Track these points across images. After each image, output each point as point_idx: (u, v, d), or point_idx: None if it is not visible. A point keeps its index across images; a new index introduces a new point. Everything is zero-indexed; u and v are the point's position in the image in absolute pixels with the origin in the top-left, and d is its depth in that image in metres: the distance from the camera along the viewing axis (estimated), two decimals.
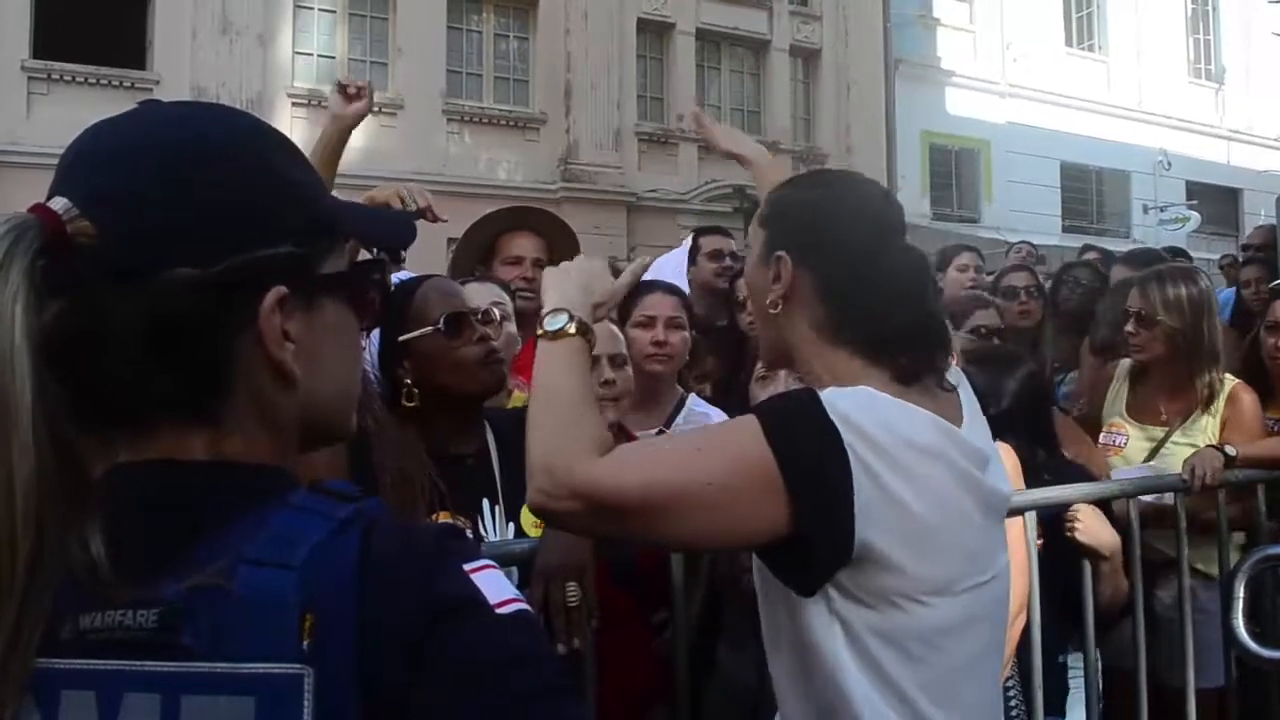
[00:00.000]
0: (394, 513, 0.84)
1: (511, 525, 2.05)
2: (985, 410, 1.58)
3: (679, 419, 2.96)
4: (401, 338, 2.01)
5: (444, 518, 1.94)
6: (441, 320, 2.02)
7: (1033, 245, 7.86)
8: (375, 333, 2.04)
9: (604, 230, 14.71)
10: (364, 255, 1.00)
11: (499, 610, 0.74)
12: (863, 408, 1.34)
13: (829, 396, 1.34)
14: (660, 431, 2.88)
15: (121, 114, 0.83)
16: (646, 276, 3.76)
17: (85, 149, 0.80)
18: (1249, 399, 3.30)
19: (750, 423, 1.35)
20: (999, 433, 2.53)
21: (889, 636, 1.34)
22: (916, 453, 1.34)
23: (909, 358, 1.44)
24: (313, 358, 0.82)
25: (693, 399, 3.03)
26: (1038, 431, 2.66)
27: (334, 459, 1.81)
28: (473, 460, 2.08)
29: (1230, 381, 3.32)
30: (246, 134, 0.83)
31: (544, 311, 1.52)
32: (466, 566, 0.76)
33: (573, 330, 1.49)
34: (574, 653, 1.82)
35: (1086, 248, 6.63)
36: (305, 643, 0.70)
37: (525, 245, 3.28)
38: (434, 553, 0.76)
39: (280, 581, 0.71)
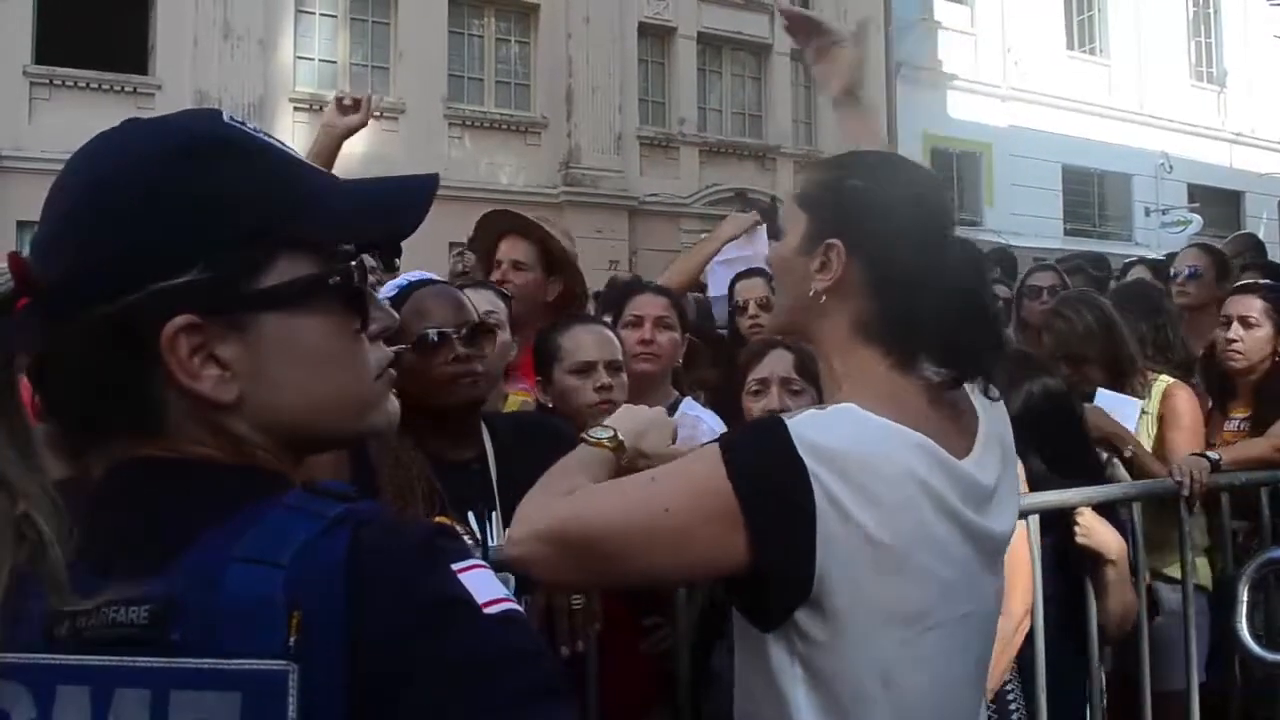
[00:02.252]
0: (388, 514, 0.83)
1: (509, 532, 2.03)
2: None
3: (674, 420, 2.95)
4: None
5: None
6: (413, 342, 1.98)
7: (1006, 246, 7.86)
8: None
9: (605, 234, 14.73)
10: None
11: (487, 610, 0.74)
12: (836, 433, 1.28)
13: (797, 426, 1.28)
14: None
15: (90, 140, 0.86)
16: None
17: (54, 183, 0.85)
18: (1184, 395, 3.39)
19: (710, 453, 1.31)
20: None
21: (851, 675, 1.29)
22: (887, 481, 1.27)
23: (948, 365, 1.37)
24: (261, 375, 0.81)
25: (686, 402, 3.02)
26: (1043, 444, 2.60)
27: (336, 462, 1.81)
28: (471, 467, 2.08)
29: (1165, 381, 3.41)
30: (163, 158, 0.82)
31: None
32: (455, 566, 0.76)
33: (609, 445, 1.52)
34: (576, 656, 1.81)
35: (1070, 257, 6.68)
36: (292, 639, 0.70)
37: (505, 249, 3.27)
38: (423, 552, 0.76)
39: (268, 579, 0.72)
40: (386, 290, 2.13)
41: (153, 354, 0.78)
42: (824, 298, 1.39)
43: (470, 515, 2.02)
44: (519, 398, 2.66)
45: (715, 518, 1.26)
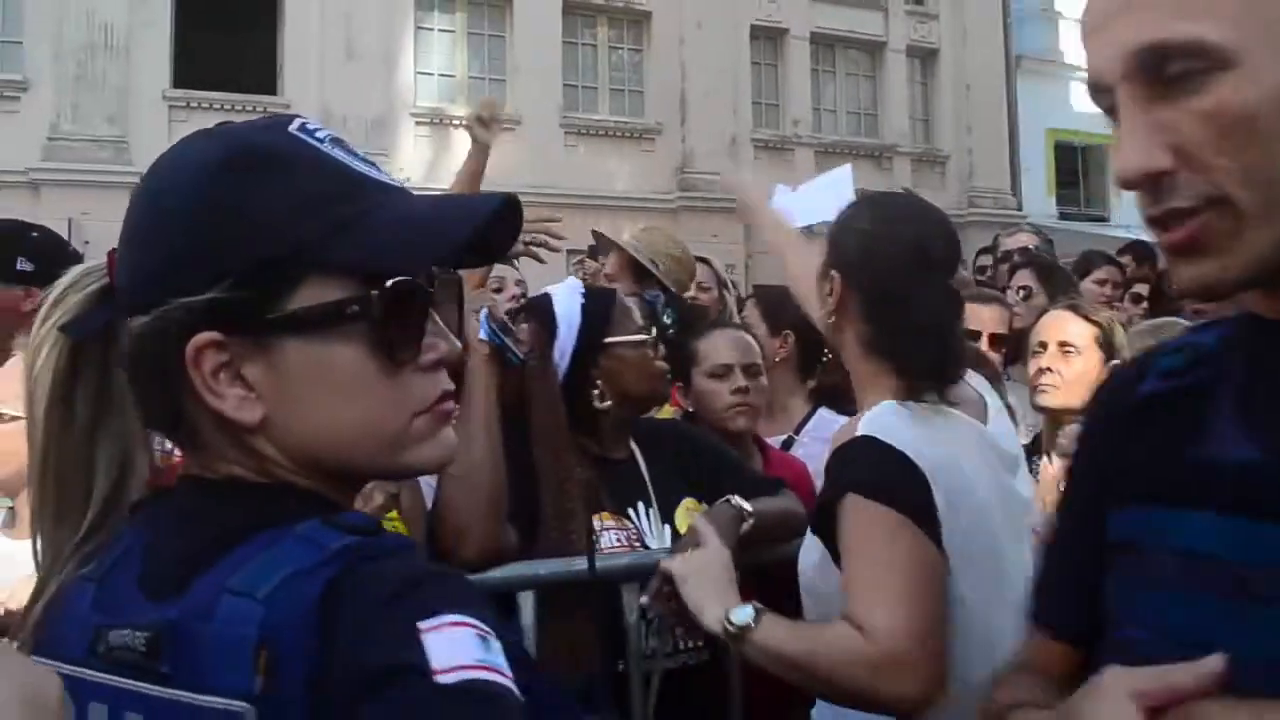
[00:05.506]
0: (393, 551, 0.77)
1: (667, 526, 2.09)
2: None
3: (809, 425, 2.94)
4: (608, 339, 2.10)
5: (607, 518, 2.01)
6: (650, 337, 2.16)
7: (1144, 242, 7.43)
8: (576, 327, 2.09)
9: (721, 239, 14.69)
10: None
11: (440, 678, 0.66)
12: (908, 434, 1.52)
13: (879, 431, 1.52)
14: (790, 438, 2.87)
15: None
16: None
17: None
18: None
19: (863, 506, 1.48)
20: None
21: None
22: (962, 491, 1.52)
23: (930, 379, 1.63)
24: (287, 399, 0.78)
25: (823, 409, 2.99)
26: None
27: (413, 494, 2.00)
28: (627, 465, 2.14)
29: None
30: (202, 170, 0.79)
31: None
32: (423, 624, 0.68)
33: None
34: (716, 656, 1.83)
35: None
36: (258, 679, 0.69)
37: (605, 264, 3.52)
38: (393, 604, 0.70)
39: (248, 614, 0.70)
40: (576, 289, 2.18)
41: (180, 369, 0.77)
42: (832, 317, 1.70)
43: (630, 511, 2.08)
44: (670, 409, 2.76)
45: (912, 539, 1.46)
